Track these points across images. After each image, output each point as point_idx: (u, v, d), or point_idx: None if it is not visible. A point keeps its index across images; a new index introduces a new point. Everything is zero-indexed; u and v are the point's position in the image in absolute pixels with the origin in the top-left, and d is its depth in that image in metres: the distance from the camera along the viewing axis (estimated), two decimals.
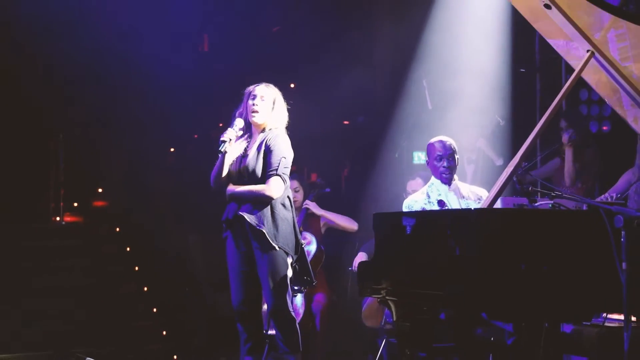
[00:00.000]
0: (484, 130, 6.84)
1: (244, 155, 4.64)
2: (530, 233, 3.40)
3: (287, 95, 4.78)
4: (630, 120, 4.15)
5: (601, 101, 6.35)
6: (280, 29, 8.71)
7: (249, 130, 4.70)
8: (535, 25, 4.03)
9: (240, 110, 4.70)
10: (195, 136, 8.35)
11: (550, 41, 4.07)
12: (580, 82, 4.11)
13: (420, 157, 7.32)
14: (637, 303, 3.43)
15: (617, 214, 3.41)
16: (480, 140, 6.74)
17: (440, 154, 4.67)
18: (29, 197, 7.59)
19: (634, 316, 3.65)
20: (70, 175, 7.74)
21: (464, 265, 3.35)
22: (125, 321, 6.55)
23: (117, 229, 7.51)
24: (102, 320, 6.37)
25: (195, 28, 8.44)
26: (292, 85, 7.08)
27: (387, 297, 3.87)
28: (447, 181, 4.70)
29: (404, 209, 4.77)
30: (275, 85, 4.74)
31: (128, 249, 7.30)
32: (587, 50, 3.83)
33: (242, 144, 4.68)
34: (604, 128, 6.61)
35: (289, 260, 4.57)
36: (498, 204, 4.01)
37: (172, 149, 8.24)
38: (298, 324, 4.64)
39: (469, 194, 4.75)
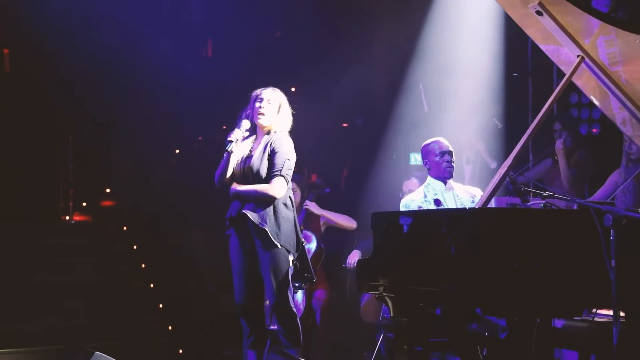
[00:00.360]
0: (483, 131, 6.85)
1: (248, 156, 4.65)
2: (523, 232, 3.40)
3: (288, 99, 4.79)
4: (618, 123, 4.16)
5: (591, 104, 6.36)
6: (281, 34, 8.72)
7: (254, 131, 4.72)
8: (527, 31, 4.03)
9: (247, 111, 4.71)
10: (200, 138, 8.36)
11: (542, 46, 4.07)
12: (571, 86, 4.12)
13: (416, 159, 7.32)
14: (625, 299, 3.43)
15: (606, 213, 3.42)
16: (479, 143, 6.75)
17: (443, 150, 4.71)
18: (40, 197, 7.59)
19: (623, 311, 3.64)
20: (79, 176, 7.75)
21: (459, 263, 3.35)
22: (133, 317, 6.56)
23: (125, 228, 7.51)
24: (110, 315, 6.37)
25: (200, 34, 8.44)
26: (292, 89, 7.07)
27: (384, 294, 3.88)
28: (450, 175, 4.72)
29: (402, 208, 4.78)
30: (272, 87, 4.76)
31: (135, 247, 7.31)
32: (577, 56, 3.83)
33: (247, 144, 4.69)
34: (594, 130, 6.61)
35: (291, 257, 4.58)
36: (492, 204, 4.02)
37: (177, 151, 8.24)
38: (299, 319, 4.65)
39: (464, 193, 4.77)
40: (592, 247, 3.40)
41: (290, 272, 4.59)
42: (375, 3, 8.16)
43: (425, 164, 4.82)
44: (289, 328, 4.58)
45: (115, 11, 7.47)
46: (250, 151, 4.67)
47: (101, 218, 7.85)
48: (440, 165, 4.72)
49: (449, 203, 4.66)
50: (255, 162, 4.60)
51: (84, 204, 7.90)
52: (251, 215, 4.51)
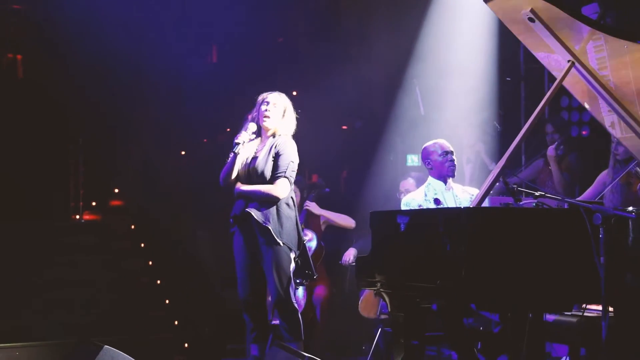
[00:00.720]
0: (483, 133, 6.85)
1: (253, 157, 4.65)
2: (515, 230, 3.41)
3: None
4: (607, 125, 4.15)
5: (581, 108, 6.36)
6: (283, 40, 8.72)
7: (259, 134, 4.72)
8: (520, 37, 4.03)
9: (253, 114, 4.71)
10: (205, 140, 8.36)
11: (534, 52, 4.07)
12: (562, 90, 4.12)
13: (413, 160, 7.33)
14: (614, 294, 3.43)
15: (595, 212, 3.42)
16: (479, 145, 6.75)
17: (446, 149, 4.70)
18: (51, 197, 7.60)
19: (611, 306, 3.65)
20: (89, 176, 7.75)
21: (455, 260, 3.35)
22: (140, 311, 6.56)
23: (132, 227, 7.52)
24: (118, 310, 6.37)
25: (205, 40, 8.44)
26: (294, 93, 7.08)
27: (382, 290, 3.88)
28: (453, 173, 4.71)
29: (403, 206, 4.78)
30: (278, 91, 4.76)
31: (142, 245, 7.31)
32: (568, 61, 3.83)
33: (253, 146, 4.70)
34: (584, 132, 6.61)
35: (292, 255, 4.58)
36: (486, 203, 4.02)
37: (183, 152, 8.24)
38: (300, 314, 4.64)
39: (463, 193, 4.76)
40: (582, 244, 3.40)
41: (292, 269, 4.59)
42: (373, 12, 8.17)
43: (427, 164, 4.78)
44: (290, 323, 4.57)
45: (125, 19, 7.48)
46: (255, 153, 4.67)
47: (110, 217, 7.84)
48: (444, 165, 4.70)
49: (449, 202, 4.65)
50: (260, 163, 4.60)
51: (94, 203, 7.90)
52: (255, 213, 4.51)
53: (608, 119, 4.09)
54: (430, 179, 4.75)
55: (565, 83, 3.94)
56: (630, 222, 3.47)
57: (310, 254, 4.80)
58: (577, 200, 3.83)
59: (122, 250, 7.20)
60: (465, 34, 6.91)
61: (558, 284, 3.41)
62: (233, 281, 4.77)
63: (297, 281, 4.73)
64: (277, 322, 4.70)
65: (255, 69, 7.68)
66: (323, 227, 6.18)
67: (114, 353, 4.38)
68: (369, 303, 5.63)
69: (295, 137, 4.73)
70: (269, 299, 4.85)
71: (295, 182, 5.14)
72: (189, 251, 7.19)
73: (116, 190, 8.10)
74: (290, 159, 4.58)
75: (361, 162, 7.72)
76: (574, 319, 4.13)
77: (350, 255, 6.00)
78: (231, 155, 4.64)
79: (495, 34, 6.78)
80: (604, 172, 5.19)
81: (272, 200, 4.54)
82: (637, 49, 3.61)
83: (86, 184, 7.73)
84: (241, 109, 5.01)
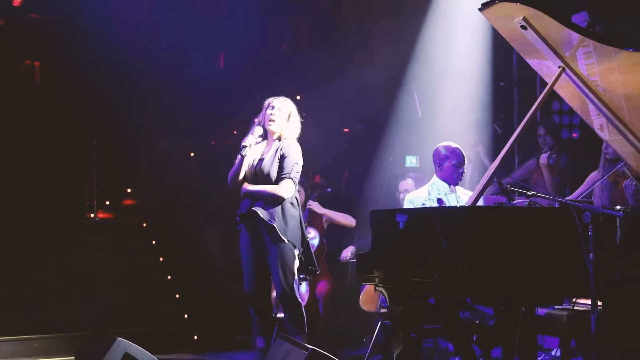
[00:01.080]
0: (482, 135, 6.85)
1: (260, 159, 4.66)
2: (509, 228, 3.40)
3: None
4: (596, 128, 4.15)
5: (571, 111, 6.36)
6: (287, 47, 8.73)
7: (265, 137, 4.73)
8: (513, 44, 4.02)
9: (259, 118, 4.72)
10: (213, 142, 8.37)
11: (526, 58, 4.07)
12: (553, 95, 4.11)
13: (411, 161, 7.32)
14: (602, 289, 3.43)
15: (585, 210, 3.42)
16: (479, 146, 6.75)
17: (460, 161, 4.67)
18: (67, 196, 7.62)
19: (600, 301, 3.65)
20: (103, 177, 7.75)
21: (451, 256, 3.35)
22: (152, 306, 6.55)
23: (144, 225, 7.52)
24: (131, 304, 6.37)
25: (213, 48, 8.46)
26: (298, 97, 7.09)
27: (382, 285, 3.88)
28: (458, 183, 4.70)
29: (407, 203, 4.76)
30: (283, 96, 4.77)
31: (153, 242, 7.30)
32: (559, 66, 3.83)
33: (259, 148, 4.70)
34: (574, 135, 6.62)
35: (296, 252, 4.59)
36: (481, 202, 4.02)
37: (192, 154, 8.25)
38: (303, 308, 4.65)
39: (465, 197, 4.74)
40: (572, 242, 3.40)
41: (296, 265, 4.60)
42: (373, 20, 8.18)
43: (438, 165, 4.71)
44: (294, 316, 4.59)
45: (137, 27, 7.50)
46: (262, 155, 4.68)
47: (123, 215, 7.85)
48: (454, 175, 4.66)
49: (451, 204, 4.64)
50: (266, 165, 4.61)
51: (107, 202, 7.90)
52: (261, 212, 4.52)
53: (597, 122, 4.09)
54: (436, 179, 4.72)
55: (556, 88, 3.94)
56: (617, 220, 3.46)
57: (313, 250, 4.81)
58: (568, 200, 3.84)
59: (134, 247, 7.19)
60: (461, 41, 6.91)
61: (549, 279, 3.40)
62: (240, 276, 4.78)
63: (301, 276, 4.74)
64: (282, 315, 4.71)
65: (261, 74, 7.68)
66: (325, 226, 6.18)
67: (127, 345, 4.40)
68: (369, 297, 5.63)
69: (300, 139, 4.74)
70: (274, 293, 4.87)
71: (300, 183, 5.17)
72: (198, 248, 7.19)
73: (129, 190, 8.11)
74: (295, 161, 4.59)
75: (362, 163, 7.73)
76: (565, 313, 4.13)
77: (348, 252, 6.01)
78: (239, 157, 4.65)
79: (490, 41, 6.78)
80: (594, 173, 5.20)
81: (278, 200, 4.55)
82: (624, 56, 3.60)
83: (100, 184, 7.73)
84: (248, 113, 5.03)
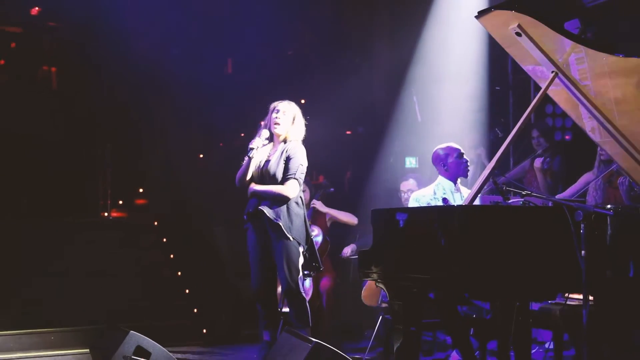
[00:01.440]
0: (483, 138, 6.85)
1: (266, 160, 4.67)
2: (504, 226, 3.40)
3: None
4: (588, 131, 4.15)
5: (564, 114, 6.34)
6: (292, 53, 8.73)
7: (271, 139, 4.73)
8: (508, 50, 4.02)
9: (266, 121, 4.73)
10: (221, 144, 8.38)
11: (521, 63, 4.07)
12: (546, 98, 4.11)
13: (411, 162, 7.32)
14: (594, 285, 3.43)
15: (577, 209, 3.42)
16: (481, 148, 6.76)
17: (460, 152, 4.66)
18: (82, 196, 7.63)
19: (591, 296, 3.65)
20: (116, 177, 7.76)
21: (449, 254, 3.35)
22: (163, 300, 6.54)
23: (155, 223, 7.51)
24: (143, 299, 6.37)
25: (221, 53, 8.46)
26: (302, 101, 7.09)
27: (383, 280, 3.88)
28: (467, 173, 4.67)
29: (412, 201, 4.74)
30: (288, 100, 4.77)
31: (164, 239, 7.30)
32: (552, 71, 3.82)
33: (266, 150, 4.71)
34: (567, 137, 6.61)
35: (301, 249, 4.59)
36: (477, 201, 4.02)
37: (201, 155, 8.26)
38: (307, 302, 4.66)
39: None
40: (564, 239, 3.40)
41: (301, 261, 4.60)
42: (374, 27, 8.18)
43: (441, 165, 4.68)
44: (299, 311, 4.59)
45: (149, 35, 7.50)
46: (268, 156, 4.69)
47: (135, 214, 7.85)
48: (460, 166, 4.64)
49: (456, 202, 4.63)
50: (272, 166, 4.62)
51: (121, 201, 7.90)
52: (267, 211, 4.53)
53: (589, 124, 4.08)
54: (441, 179, 4.69)
55: (549, 92, 3.94)
56: (608, 219, 3.46)
57: (316, 248, 4.81)
58: (560, 199, 3.84)
59: (146, 245, 7.18)
60: (459, 46, 6.91)
61: (543, 276, 3.40)
62: (247, 273, 4.79)
63: (305, 272, 4.74)
64: (287, 309, 4.71)
65: (267, 79, 7.69)
66: (328, 224, 6.18)
67: (139, 337, 4.41)
68: (371, 292, 5.63)
69: (304, 141, 4.74)
70: (280, 289, 4.87)
71: (305, 183, 5.17)
72: (207, 245, 7.19)
73: (141, 190, 8.11)
74: (300, 162, 4.60)
75: (363, 164, 7.72)
76: (558, 307, 4.15)
77: (348, 249, 6.02)
78: (246, 158, 4.66)
79: (486, 47, 6.78)
80: (588, 173, 5.19)
81: (283, 199, 4.55)
82: (614, 61, 3.61)
83: (114, 184, 7.73)
84: (254, 116, 5.04)
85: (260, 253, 4.64)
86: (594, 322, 3.51)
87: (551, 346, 4.82)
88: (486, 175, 3.72)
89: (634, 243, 3.48)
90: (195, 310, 6.63)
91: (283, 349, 4.02)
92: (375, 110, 7.95)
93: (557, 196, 5.31)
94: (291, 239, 4.52)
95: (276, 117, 4.66)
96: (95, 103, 7.74)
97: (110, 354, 4.36)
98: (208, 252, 7.14)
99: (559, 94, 4.02)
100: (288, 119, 4.67)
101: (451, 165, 4.65)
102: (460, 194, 4.67)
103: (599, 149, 4.91)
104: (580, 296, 3.71)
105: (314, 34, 8.47)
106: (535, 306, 4.24)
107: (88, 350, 4.93)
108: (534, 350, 4.91)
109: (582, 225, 3.38)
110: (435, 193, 4.65)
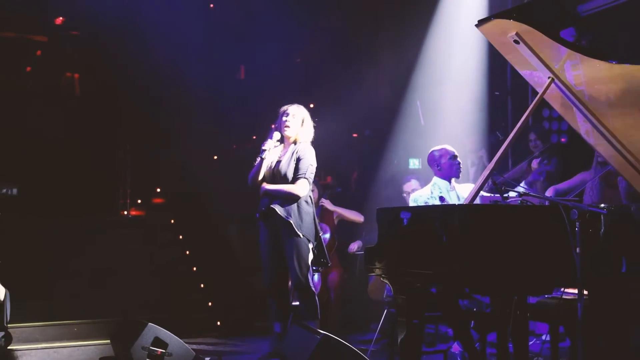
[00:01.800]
0: (485, 141, 6.86)
1: (277, 161, 4.69)
2: (503, 224, 3.40)
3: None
4: (582, 133, 4.14)
5: (560, 118, 6.34)
6: (301, 60, 8.75)
7: (282, 141, 4.75)
8: (507, 57, 4.02)
9: (276, 124, 4.75)
10: (234, 146, 8.40)
11: (519, 69, 4.07)
12: (543, 103, 4.11)
13: (414, 163, 7.33)
14: (588, 280, 3.43)
15: (572, 208, 3.42)
16: (482, 151, 6.76)
17: (454, 154, 4.68)
18: (103, 196, 7.66)
19: (586, 290, 3.64)
20: (135, 177, 7.79)
21: (450, 250, 3.36)
22: (179, 294, 6.56)
23: (172, 221, 7.54)
24: (160, 293, 6.38)
25: (234, 61, 8.50)
26: (311, 105, 7.11)
27: (387, 276, 3.89)
28: (459, 174, 4.69)
29: (411, 201, 4.76)
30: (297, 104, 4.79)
31: (180, 237, 7.33)
32: (548, 77, 3.82)
33: (277, 152, 4.73)
34: (562, 140, 6.59)
35: (310, 245, 4.60)
36: (477, 200, 4.02)
37: (215, 157, 8.28)
38: (316, 296, 4.67)
39: (464, 192, 4.74)
40: (560, 236, 3.39)
41: (310, 257, 4.61)
42: (379, 34, 8.19)
43: (436, 166, 4.71)
44: (308, 304, 4.60)
45: (168, 43, 7.54)
46: (279, 157, 4.70)
47: (153, 213, 7.87)
48: (452, 167, 4.66)
49: (452, 200, 4.65)
50: (283, 166, 4.63)
51: (139, 201, 7.93)
52: (278, 209, 4.54)
53: (583, 127, 4.08)
54: (436, 179, 4.71)
55: (546, 96, 3.93)
56: (602, 217, 3.46)
57: (324, 244, 4.82)
58: (557, 198, 3.83)
59: (163, 242, 7.21)
60: (460, 54, 6.92)
61: (540, 271, 3.40)
62: (259, 268, 4.80)
63: (314, 268, 4.75)
64: (297, 303, 4.72)
65: (278, 85, 7.71)
66: (336, 222, 6.20)
67: (157, 329, 4.43)
68: (376, 287, 5.64)
69: (312, 143, 4.76)
70: (290, 283, 4.88)
71: (314, 182, 5.19)
72: (221, 242, 7.21)
73: (158, 190, 8.15)
74: (310, 162, 4.61)
75: (369, 165, 7.73)
76: (554, 301, 4.13)
77: (355, 245, 6.03)
78: (259, 159, 4.67)
79: (486, 54, 6.78)
80: (586, 172, 5.18)
81: (294, 198, 4.57)
82: (608, 67, 3.60)
83: (133, 184, 7.77)
84: (266, 120, 5.05)
85: (272, 249, 4.66)
86: (588, 314, 3.51)
87: (548, 338, 4.80)
88: (486, 175, 3.72)
89: (626, 240, 3.47)
90: (210, 303, 6.65)
91: (293, 340, 4.03)
92: (380, 114, 7.95)
93: (555, 186, 5.32)
94: (301, 236, 4.53)
95: (286, 120, 4.68)
96: (116, 107, 7.78)
97: (129, 344, 4.39)
98: (222, 248, 7.16)
99: (555, 99, 4.02)
100: (297, 122, 4.69)
101: (444, 165, 4.67)
102: (455, 192, 4.69)
103: (596, 152, 4.90)
104: (576, 290, 3.70)
105: (322, 42, 8.48)
106: (532, 300, 4.24)
107: (109, 341, 4.95)
108: (531, 342, 4.90)
109: (577, 224, 3.38)
110: (432, 192, 4.67)
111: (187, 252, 7.16)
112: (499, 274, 3.34)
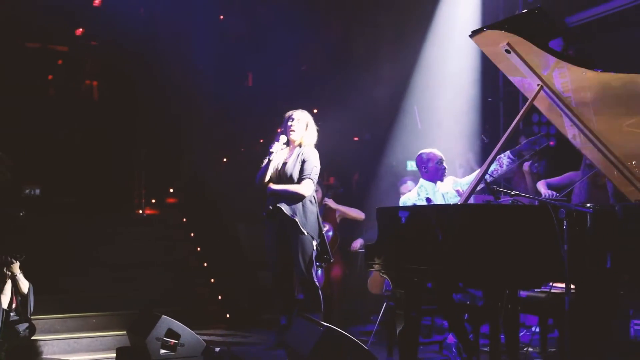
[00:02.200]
0: (472, 144, 6.86)
1: (283, 163, 4.70)
2: (495, 222, 3.40)
3: (312, 118, 4.83)
4: (570, 137, 4.14)
5: (548, 122, 6.33)
6: (306, 68, 8.76)
7: (288, 144, 4.76)
8: (498, 65, 4.02)
9: (282, 129, 4.76)
10: (242, 149, 8.42)
11: (510, 77, 4.08)
12: (533, 108, 4.11)
13: (412, 165, 7.31)
14: (575, 275, 3.44)
15: (560, 207, 3.42)
16: (469, 154, 6.75)
17: (440, 159, 4.68)
18: (120, 196, 7.68)
19: (573, 284, 3.65)
20: (150, 179, 7.81)
21: (446, 247, 3.36)
22: (190, 288, 6.56)
23: (184, 220, 7.55)
24: (173, 287, 6.38)
25: (242, 68, 8.51)
26: (315, 111, 7.11)
27: (386, 271, 3.89)
28: (443, 179, 4.68)
29: (400, 203, 4.78)
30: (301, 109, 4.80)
31: (192, 234, 7.33)
32: (538, 84, 3.83)
33: (283, 154, 4.74)
34: (551, 143, 6.59)
35: (314, 242, 4.61)
36: (471, 200, 4.03)
37: (225, 159, 8.30)
38: (320, 290, 4.67)
39: (445, 187, 4.74)
40: (549, 234, 3.40)
41: (314, 254, 4.62)
42: (379, 44, 8.20)
43: (422, 168, 4.71)
44: (312, 297, 4.60)
45: (179, 52, 7.56)
46: (285, 159, 4.71)
47: (166, 211, 7.88)
48: (438, 172, 4.66)
49: (438, 200, 4.67)
50: (289, 167, 4.64)
51: (153, 200, 7.94)
52: (285, 208, 4.55)
53: (570, 131, 4.08)
54: (423, 182, 4.72)
55: (535, 102, 3.94)
56: (588, 216, 3.46)
57: (327, 241, 4.83)
58: (545, 199, 3.84)
59: (175, 239, 7.21)
60: (454, 62, 6.92)
61: (529, 267, 3.40)
62: (266, 264, 4.80)
63: (318, 264, 4.76)
64: (302, 297, 4.73)
65: (283, 91, 7.72)
66: (338, 220, 6.20)
67: (170, 321, 4.44)
68: (376, 282, 5.63)
69: (316, 146, 4.76)
70: (295, 278, 4.89)
71: (318, 183, 5.19)
72: (230, 239, 7.21)
73: (171, 190, 8.16)
74: (314, 164, 4.62)
75: (369, 166, 7.73)
76: (543, 295, 4.14)
77: (357, 244, 6.02)
78: (266, 161, 4.69)
79: (479, 63, 6.78)
80: (575, 172, 5.18)
81: (299, 198, 4.57)
82: (593, 75, 3.61)
83: (147, 185, 7.79)
84: (272, 124, 5.06)
85: (278, 246, 4.66)
86: (575, 307, 3.52)
87: (537, 329, 4.81)
88: (479, 176, 3.73)
89: (610, 238, 3.48)
90: (220, 297, 6.65)
91: (298, 331, 4.04)
92: (379, 118, 7.96)
93: (544, 180, 5.32)
94: (305, 233, 4.54)
95: (291, 125, 4.69)
96: (132, 112, 7.80)
97: (144, 335, 4.40)
98: (231, 245, 7.16)
99: (544, 105, 4.02)
100: (302, 126, 4.71)
101: (431, 169, 4.67)
102: (440, 192, 4.70)
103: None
104: (563, 285, 3.71)
105: (325, 51, 8.49)
106: (523, 294, 4.24)
107: (125, 332, 4.97)
108: (521, 333, 4.91)
109: (564, 222, 3.38)
110: (419, 195, 4.67)
111: (198, 249, 7.16)
112: (491, 269, 3.34)
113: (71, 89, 8.25)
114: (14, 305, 4.90)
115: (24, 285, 4.91)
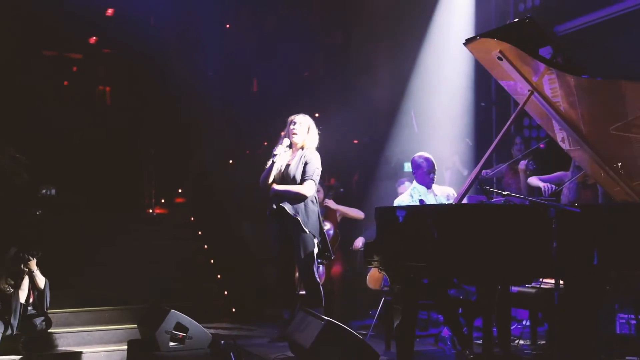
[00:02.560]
0: (458, 147, 6.86)
1: (287, 165, 4.71)
2: (488, 221, 3.41)
3: (314, 122, 4.84)
4: (559, 140, 4.16)
5: (539, 126, 6.34)
6: (308, 74, 8.77)
7: (290, 147, 4.77)
8: (491, 72, 4.04)
9: (285, 132, 4.77)
10: (247, 152, 8.42)
11: (502, 83, 4.09)
12: (524, 113, 4.13)
13: (409, 167, 7.31)
14: (564, 271, 3.44)
15: (550, 207, 3.43)
16: (455, 156, 6.75)
17: (431, 168, 4.71)
18: (131, 196, 7.68)
19: (561, 280, 3.65)
20: (159, 179, 7.80)
21: (441, 244, 3.37)
22: (198, 284, 6.54)
23: (192, 219, 7.54)
24: (181, 283, 6.37)
25: (247, 74, 8.51)
26: (316, 115, 7.11)
27: (385, 268, 3.90)
28: (431, 186, 4.73)
29: (395, 204, 4.79)
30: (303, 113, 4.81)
31: (199, 233, 7.33)
32: (528, 90, 3.84)
33: (286, 156, 4.75)
34: (541, 146, 6.59)
35: (315, 240, 4.62)
36: (465, 200, 4.04)
37: (231, 161, 8.30)
38: (321, 286, 4.68)
39: (440, 192, 4.77)
40: (539, 233, 3.41)
41: (315, 251, 4.63)
42: (377, 50, 8.20)
43: (415, 173, 4.79)
44: (314, 293, 4.61)
45: (187, 59, 7.56)
46: (288, 161, 4.72)
47: (175, 211, 7.88)
48: (425, 180, 4.73)
49: (430, 201, 4.69)
50: (292, 169, 4.65)
51: (163, 200, 7.94)
52: (288, 208, 4.56)
53: (559, 135, 4.09)
54: (416, 184, 4.77)
55: (526, 107, 3.95)
56: (576, 216, 3.46)
57: (328, 239, 4.84)
58: (536, 198, 3.85)
59: (184, 237, 7.20)
60: (449, 68, 6.92)
61: (520, 263, 3.40)
62: (270, 261, 4.81)
63: (319, 261, 4.77)
64: (304, 292, 4.74)
65: (286, 96, 7.73)
66: (339, 219, 6.20)
67: (179, 315, 4.44)
68: (374, 278, 5.63)
69: (317, 149, 4.77)
70: (297, 274, 4.90)
71: (319, 184, 5.20)
72: (236, 237, 7.21)
73: (180, 190, 8.16)
74: (316, 166, 4.63)
75: (368, 168, 7.73)
76: (533, 290, 4.15)
77: (359, 242, 6.02)
78: (270, 163, 4.70)
79: (472, 69, 6.79)
80: (564, 172, 5.20)
81: (301, 198, 4.59)
82: (581, 82, 3.62)
83: (157, 185, 7.79)
84: (276, 128, 5.07)
85: (281, 244, 4.67)
86: (563, 302, 3.52)
87: (528, 323, 4.82)
88: (472, 178, 3.74)
89: (597, 236, 3.48)
90: (226, 292, 6.64)
91: (300, 325, 4.04)
92: (378, 122, 7.96)
93: (535, 177, 5.33)
94: (307, 232, 4.55)
95: (294, 128, 4.70)
96: (142, 116, 7.80)
97: (154, 329, 4.40)
98: (237, 243, 7.16)
99: (535, 109, 4.03)
100: (304, 129, 4.72)
101: (421, 175, 4.73)
102: (433, 194, 4.72)
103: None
104: (553, 281, 3.72)
105: (326, 58, 8.50)
106: (514, 289, 4.24)
107: (136, 325, 4.97)
108: (513, 327, 4.91)
109: (554, 221, 3.38)
110: (412, 197, 4.70)
111: (206, 247, 7.15)
112: (484, 266, 3.35)
113: (85, 94, 8.26)
114: (31, 300, 4.92)
115: (41, 281, 4.92)
